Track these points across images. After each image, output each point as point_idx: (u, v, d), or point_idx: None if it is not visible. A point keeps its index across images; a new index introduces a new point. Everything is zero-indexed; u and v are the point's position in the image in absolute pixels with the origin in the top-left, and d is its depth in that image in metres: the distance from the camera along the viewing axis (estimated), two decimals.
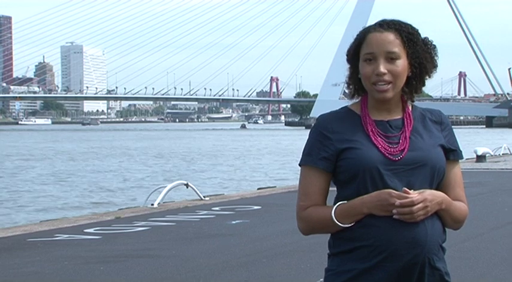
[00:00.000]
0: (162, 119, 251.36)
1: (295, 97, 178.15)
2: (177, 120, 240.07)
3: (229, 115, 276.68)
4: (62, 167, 37.19)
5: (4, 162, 40.31)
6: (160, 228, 10.82)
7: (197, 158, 43.83)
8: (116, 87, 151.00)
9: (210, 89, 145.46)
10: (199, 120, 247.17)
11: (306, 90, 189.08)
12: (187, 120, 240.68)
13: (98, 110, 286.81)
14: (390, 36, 2.38)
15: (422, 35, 2.46)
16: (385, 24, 2.41)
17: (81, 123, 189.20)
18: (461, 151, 2.57)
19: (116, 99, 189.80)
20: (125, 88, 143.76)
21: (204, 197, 14.81)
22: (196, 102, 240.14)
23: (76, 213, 16.29)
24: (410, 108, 2.49)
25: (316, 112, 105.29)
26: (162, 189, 14.43)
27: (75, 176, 31.25)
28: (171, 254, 8.60)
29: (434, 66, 2.47)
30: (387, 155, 2.38)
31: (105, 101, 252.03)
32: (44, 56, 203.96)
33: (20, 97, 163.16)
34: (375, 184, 2.36)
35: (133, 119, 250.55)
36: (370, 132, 2.41)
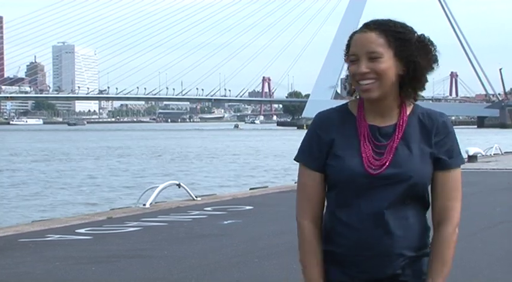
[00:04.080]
0: (154, 119, 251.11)
1: (287, 97, 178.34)
2: (169, 120, 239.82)
3: (222, 115, 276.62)
4: (52, 167, 37.11)
5: None
6: (152, 229, 10.81)
7: (189, 158, 43.79)
8: (108, 87, 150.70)
9: (202, 89, 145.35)
10: (191, 120, 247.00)
11: (297, 91, 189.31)
12: (179, 120, 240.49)
13: (89, 110, 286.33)
14: (372, 36, 2.36)
15: (420, 32, 2.42)
16: (372, 24, 2.39)
17: (67, 123, 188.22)
18: (458, 157, 2.43)
19: (107, 99, 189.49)
20: (116, 88, 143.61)
21: (196, 197, 14.79)
22: (188, 103, 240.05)
23: (67, 214, 16.25)
24: (409, 111, 2.42)
25: (308, 112, 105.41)
26: (154, 189, 14.40)
27: (66, 176, 31.18)
28: (163, 254, 8.59)
29: (432, 63, 2.41)
30: (367, 167, 2.35)
31: (97, 101, 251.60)
32: (35, 56, 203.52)
33: (11, 97, 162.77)
34: (350, 195, 2.38)
35: (125, 119, 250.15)
36: (362, 137, 2.39)
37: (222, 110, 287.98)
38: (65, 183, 27.77)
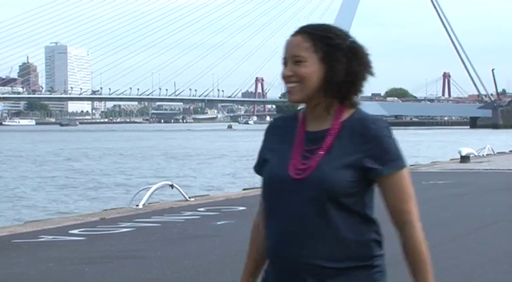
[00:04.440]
0: (147, 119, 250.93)
1: (280, 97, 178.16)
2: (162, 121, 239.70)
3: (215, 116, 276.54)
4: (43, 168, 37.05)
5: None
6: (146, 229, 10.80)
7: (182, 159, 43.77)
8: (101, 88, 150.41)
9: (195, 90, 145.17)
10: (185, 121, 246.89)
11: None
12: (172, 121, 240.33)
13: (82, 111, 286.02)
14: (298, 40, 2.37)
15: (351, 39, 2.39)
16: (302, 28, 2.40)
17: (59, 124, 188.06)
18: (392, 163, 2.33)
19: (100, 99, 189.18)
20: (109, 89, 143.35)
21: (189, 197, 14.79)
22: (182, 103, 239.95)
23: (60, 215, 16.22)
24: (346, 116, 2.37)
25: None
26: (147, 190, 14.40)
27: (58, 177, 31.13)
28: (156, 255, 8.58)
29: (364, 69, 2.37)
30: (291, 172, 2.35)
31: (90, 102, 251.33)
32: (27, 57, 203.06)
33: (3, 98, 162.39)
34: (274, 200, 2.38)
35: (118, 120, 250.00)
36: (296, 142, 2.40)
37: (215, 111, 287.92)
38: (58, 184, 27.73)
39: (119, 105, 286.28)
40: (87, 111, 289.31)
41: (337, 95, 2.36)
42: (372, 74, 2.40)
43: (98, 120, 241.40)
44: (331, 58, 2.34)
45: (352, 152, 2.32)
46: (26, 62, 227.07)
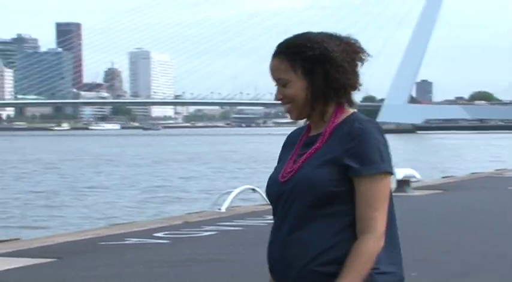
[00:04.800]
0: (228, 123, 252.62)
1: (361, 101, 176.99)
2: (243, 125, 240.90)
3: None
4: (127, 172, 37.70)
5: (72, 167, 41.10)
6: (228, 233, 10.90)
7: (263, 162, 43.89)
8: (183, 92, 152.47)
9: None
10: (266, 125, 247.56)
11: (372, 95, 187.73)
12: (253, 125, 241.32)
13: (165, 115, 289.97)
14: (276, 63, 2.40)
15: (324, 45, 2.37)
16: (276, 49, 2.42)
17: (142, 128, 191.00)
18: (372, 165, 2.28)
19: (182, 104, 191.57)
20: (191, 93, 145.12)
21: None
22: (263, 107, 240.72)
23: (144, 218, 16.51)
24: (339, 120, 2.37)
25: (383, 117, 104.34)
26: (229, 193, 14.51)
27: (142, 180, 31.65)
28: (239, 258, 8.66)
29: (340, 77, 2.36)
30: (280, 176, 2.40)
31: (173, 106, 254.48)
32: (112, 62, 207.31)
33: (89, 103, 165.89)
34: (273, 204, 2.44)
35: (200, 124, 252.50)
36: (295, 150, 2.45)
37: None
38: (140, 188, 28.19)
39: (201, 110, 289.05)
40: (170, 115, 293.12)
41: (324, 104, 2.38)
42: (353, 77, 2.38)
43: (180, 125, 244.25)
44: (309, 71, 2.36)
45: (335, 150, 2.32)
46: (110, 67, 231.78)
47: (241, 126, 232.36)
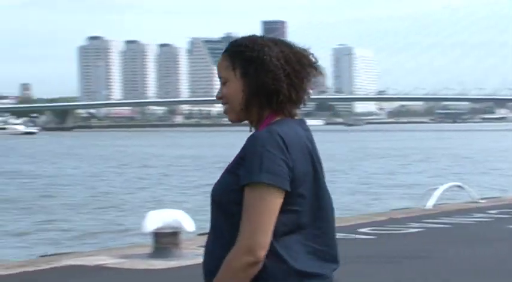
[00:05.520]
0: (432, 119, 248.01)
1: None
2: (449, 120, 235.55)
3: (504, 115, 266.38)
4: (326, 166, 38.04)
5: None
6: (435, 230, 10.76)
7: (470, 159, 42.71)
8: (386, 88, 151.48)
9: (483, 89, 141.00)
10: (472, 120, 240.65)
11: None
12: (459, 120, 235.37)
13: (368, 111, 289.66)
14: (220, 60, 2.35)
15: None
16: (225, 47, 2.36)
17: (345, 124, 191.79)
18: (245, 175, 2.19)
19: (384, 100, 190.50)
20: (395, 89, 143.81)
21: (479, 199, 14.44)
22: (469, 103, 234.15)
23: (348, 214, 16.62)
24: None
25: None
26: (435, 190, 14.29)
27: (341, 177, 31.83)
28: (445, 256, 8.52)
29: (268, 82, 2.26)
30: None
31: (376, 102, 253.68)
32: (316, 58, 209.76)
33: None
34: None
35: (403, 120, 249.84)
36: None
37: (507, 110, 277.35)
38: (340, 185, 28.36)
39: (405, 105, 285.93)
40: (374, 111, 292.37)
41: (260, 110, 2.30)
42: (289, 87, 2.29)
43: (383, 120, 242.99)
44: (245, 72, 2.30)
45: (235, 159, 2.28)
46: None
47: (446, 122, 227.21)
